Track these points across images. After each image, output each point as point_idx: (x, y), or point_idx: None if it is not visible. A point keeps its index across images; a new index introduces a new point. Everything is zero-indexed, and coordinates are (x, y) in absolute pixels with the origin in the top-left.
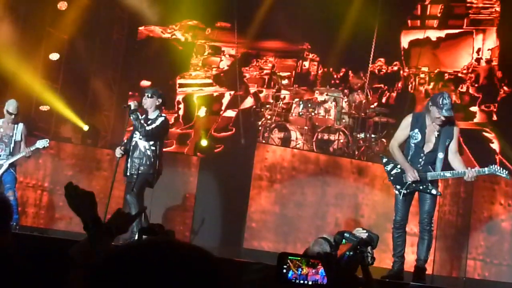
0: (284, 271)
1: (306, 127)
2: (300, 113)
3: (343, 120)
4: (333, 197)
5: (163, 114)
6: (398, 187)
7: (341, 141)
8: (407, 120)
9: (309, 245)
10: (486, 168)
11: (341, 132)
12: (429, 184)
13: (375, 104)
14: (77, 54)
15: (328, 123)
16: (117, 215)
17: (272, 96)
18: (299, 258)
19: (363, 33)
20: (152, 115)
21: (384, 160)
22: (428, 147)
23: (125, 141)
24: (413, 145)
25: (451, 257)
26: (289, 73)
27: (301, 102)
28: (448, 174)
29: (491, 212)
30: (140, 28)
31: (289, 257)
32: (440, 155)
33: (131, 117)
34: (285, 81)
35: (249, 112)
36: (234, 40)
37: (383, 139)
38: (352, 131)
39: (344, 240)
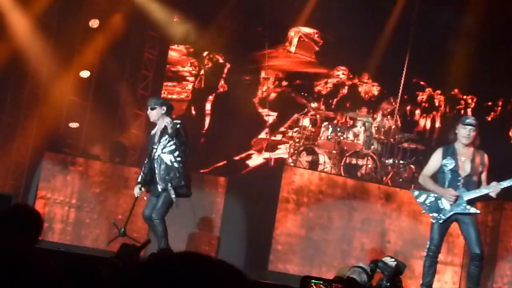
0: None
1: (334, 151)
2: (329, 137)
3: (372, 145)
4: (359, 222)
5: (177, 121)
6: (435, 215)
7: (369, 166)
8: (438, 152)
9: (335, 269)
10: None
11: (369, 157)
12: (467, 205)
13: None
14: (107, 72)
15: (357, 148)
16: (121, 249)
17: (301, 119)
18: (321, 282)
19: (396, 57)
20: (162, 124)
21: (416, 193)
22: (464, 172)
23: (142, 175)
24: (448, 171)
25: None
26: (319, 97)
27: (330, 126)
28: (484, 190)
29: None
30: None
31: (312, 281)
32: (475, 178)
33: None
34: (314, 105)
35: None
36: (265, 63)
37: (411, 166)
38: (381, 156)
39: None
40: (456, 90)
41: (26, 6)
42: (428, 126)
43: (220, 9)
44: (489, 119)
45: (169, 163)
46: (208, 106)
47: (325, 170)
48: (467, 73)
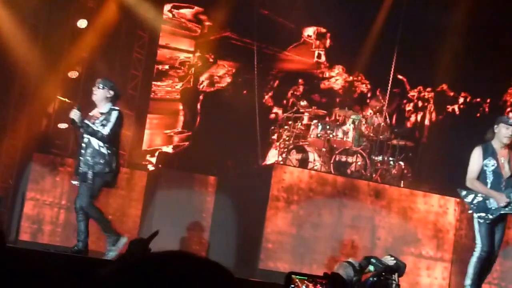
0: None
1: (324, 149)
2: (319, 135)
3: (362, 143)
4: (349, 219)
5: (116, 107)
6: (482, 214)
7: (359, 163)
8: (477, 151)
9: (325, 266)
10: None
11: (359, 155)
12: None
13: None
14: (96, 73)
15: (346, 145)
16: (131, 246)
17: (291, 117)
18: (306, 278)
19: (384, 54)
20: (103, 108)
21: (463, 192)
22: (506, 173)
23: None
24: (490, 172)
25: None
26: (308, 95)
27: (319, 124)
28: None
29: (508, 237)
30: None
31: (297, 277)
32: None
33: (80, 130)
34: (304, 103)
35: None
36: (253, 61)
37: (400, 162)
38: (370, 153)
39: (372, 266)
40: (445, 87)
41: (14, 6)
42: (417, 122)
43: (210, 7)
44: (478, 115)
45: (97, 147)
46: (198, 106)
47: (315, 168)
48: (456, 69)
